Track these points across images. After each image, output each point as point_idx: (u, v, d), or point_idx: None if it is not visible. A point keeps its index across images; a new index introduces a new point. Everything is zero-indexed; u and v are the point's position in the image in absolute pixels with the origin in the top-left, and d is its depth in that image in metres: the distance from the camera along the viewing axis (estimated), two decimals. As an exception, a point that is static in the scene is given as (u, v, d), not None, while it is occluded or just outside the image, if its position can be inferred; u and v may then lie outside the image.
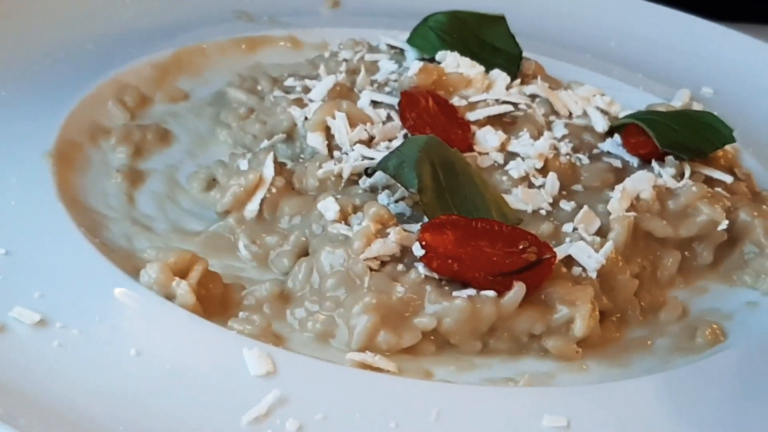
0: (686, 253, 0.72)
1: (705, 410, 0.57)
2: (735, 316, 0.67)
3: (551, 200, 0.69)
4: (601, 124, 0.77)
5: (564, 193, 0.71)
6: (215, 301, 0.61)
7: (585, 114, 0.78)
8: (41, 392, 0.51)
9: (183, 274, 0.60)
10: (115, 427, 0.50)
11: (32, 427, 0.48)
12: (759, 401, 0.58)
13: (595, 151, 0.76)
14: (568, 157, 0.73)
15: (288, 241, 0.65)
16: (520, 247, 0.62)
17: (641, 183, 0.70)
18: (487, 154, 0.72)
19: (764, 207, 0.74)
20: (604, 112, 0.78)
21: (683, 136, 0.76)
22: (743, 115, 0.77)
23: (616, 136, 0.76)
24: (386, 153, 0.68)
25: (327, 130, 0.71)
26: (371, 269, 0.61)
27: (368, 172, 0.68)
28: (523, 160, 0.71)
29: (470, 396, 0.57)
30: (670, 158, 0.74)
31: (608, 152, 0.76)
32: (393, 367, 0.58)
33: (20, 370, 0.52)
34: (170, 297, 0.59)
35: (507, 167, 0.71)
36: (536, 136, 0.74)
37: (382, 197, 0.67)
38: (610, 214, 0.68)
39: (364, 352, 0.59)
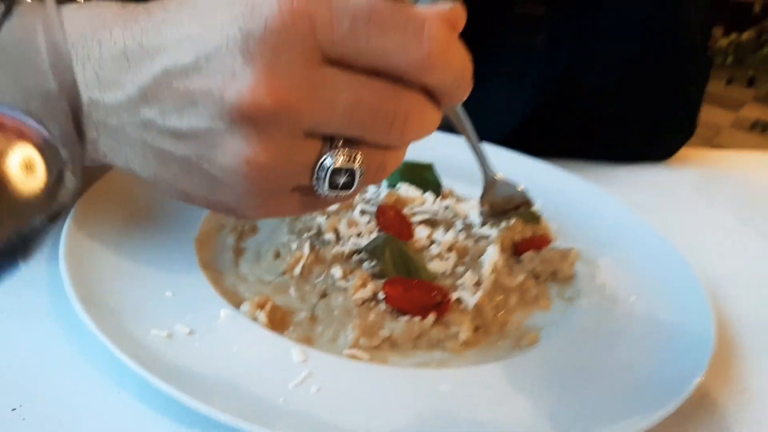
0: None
1: (526, 380, 0.61)
2: (544, 329, 0.70)
3: (452, 267, 0.73)
4: (478, 224, 0.80)
5: (459, 262, 0.74)
6: (278, 321, 0.65)
7: (470, 217, 0.81)
8: (187, 371, 0.56)
9: (261, 307, 0.64)
10: (221, 388, 0.55)
11: (184, 389, 0.53)
12: (558, 376, 0.62)
13: (476, 237, 0.78)
14: (464, 242, 0.76)
15: (315, 289, 0.68)
16: (433, 293, 0.67)
17: (493, 255, 0.74)
18: (420, 241, 0.75)
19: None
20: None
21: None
22: (557, 219, 0.81)
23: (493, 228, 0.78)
24: (367, 242, 0.72)
25: (336, 229, 0.74)
26: (358, 305, 0.65)
27: (358, 252, 0.72)
28: (438, 245, 0.75)
29: (406, 373, 0.61)
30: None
31: (485, 237, 0.78)
32: (367, 357, 0.63)
33: (179, 359, 0.57)
34: (254, 319, 0.63)
35: (429, 249, 0.74)
36: (446, 229, 0.77)
37: (365, 265, 0.70)
38: (482, 274, 0.72)
39: (353, 349, 0.63)
